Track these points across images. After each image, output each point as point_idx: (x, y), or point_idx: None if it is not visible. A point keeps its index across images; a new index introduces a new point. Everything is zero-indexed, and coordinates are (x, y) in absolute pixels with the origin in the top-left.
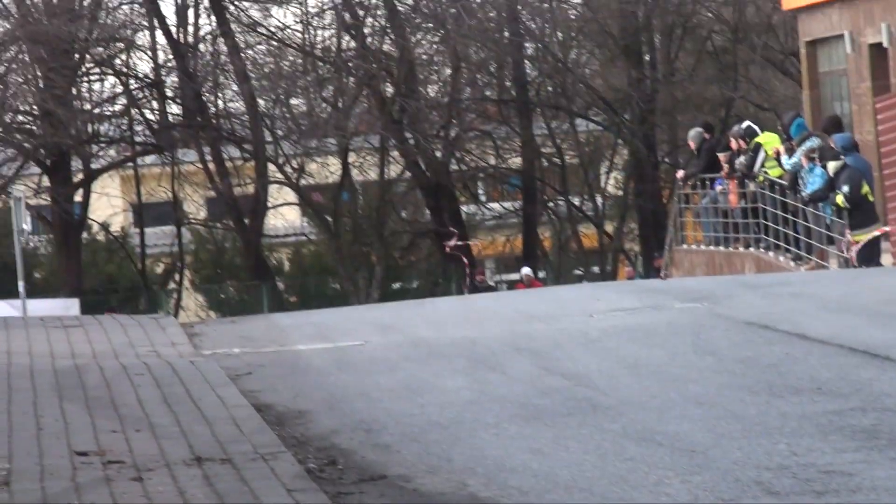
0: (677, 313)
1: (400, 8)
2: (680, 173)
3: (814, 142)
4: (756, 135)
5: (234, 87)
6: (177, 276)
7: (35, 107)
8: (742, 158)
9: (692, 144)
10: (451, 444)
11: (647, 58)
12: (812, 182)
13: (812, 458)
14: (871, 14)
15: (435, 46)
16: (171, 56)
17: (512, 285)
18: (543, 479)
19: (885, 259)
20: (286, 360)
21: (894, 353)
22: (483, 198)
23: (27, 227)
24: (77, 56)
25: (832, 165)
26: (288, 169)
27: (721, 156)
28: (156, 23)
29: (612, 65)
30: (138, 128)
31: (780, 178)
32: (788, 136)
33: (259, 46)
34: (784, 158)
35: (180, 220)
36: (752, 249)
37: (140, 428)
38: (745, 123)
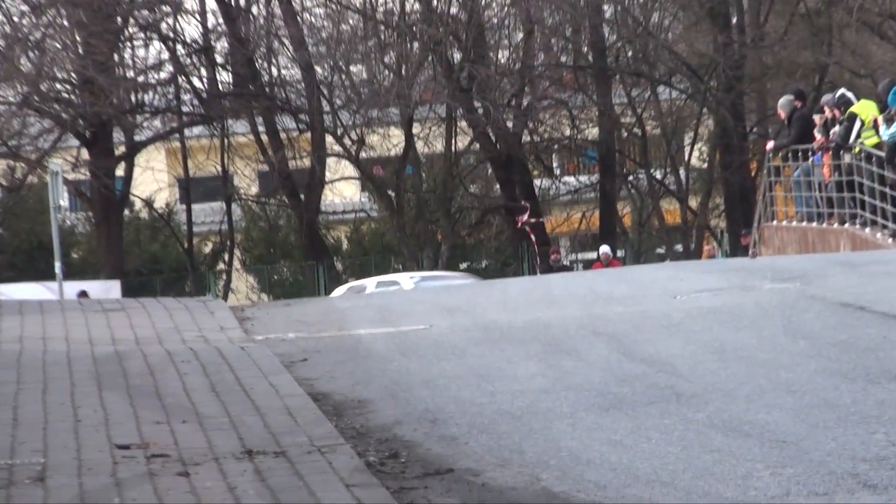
0: (767, 294)
1: None
2: (769, 144)
3: None
4: (851, 103)
5: (290, 53)
6: (226, 256)
7: (74, 74)
8: (837, 128)
9: (782, 113)
10: (523, 435)
11: (734, 21)
12: None
13: None
14: None
15: (506, 9)
16: (221, 20)
17: (589, 265)
18: (623, 473)
19: None
20: (345, 346)
21: None
22: (557, 171)
23: (64, 203)
24: (120, 20)
25: None
26: (347, 141)
27: (817, 117)
28: None
29: (697, 28)
30: (185, 97)
31: (877, 148)
32: (886, 104)
33: (316, 9)
34: (882, 128)
35: (230, 196)
36: (847, 225)
37: (186, 419)
38: (839, 91)
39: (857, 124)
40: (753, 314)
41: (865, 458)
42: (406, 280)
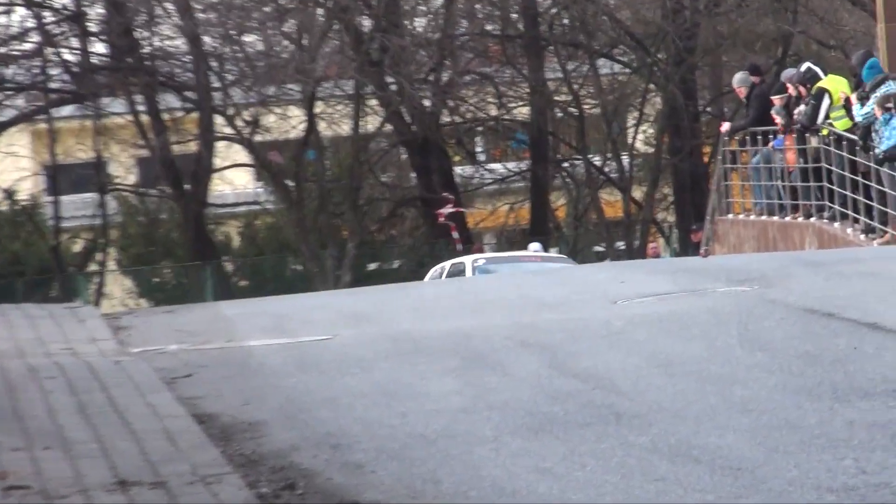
0: (720, 299)
1: None
2: (725, 126)
3: (891, 87)
4: (819, 79)
5: (174, 21)
6: (99, 256)
7: None
8: (803, 107)
9: (742, 91)
10: (438, 462)
11: None
12: (888, 136)
13: (886, 477)
14: None
15: None
16: None
17: None
18: None
19: None
20: (235, 359)
21: None
22: (482, 157)
23: None
24: None
25: None
26: (239, 122)
27: (776, 99)
28: None
29: None
30: (54, 71)
31: (848, 131)
32: (859, 79)
33: None
34: (855, 107)
35: (104, 186)
36: (813, 219)
37: (50, 445)
38: (805, 65)
39: (826, 102)
40: (705, 322)
41: (832, 487)
42: (469, 263)
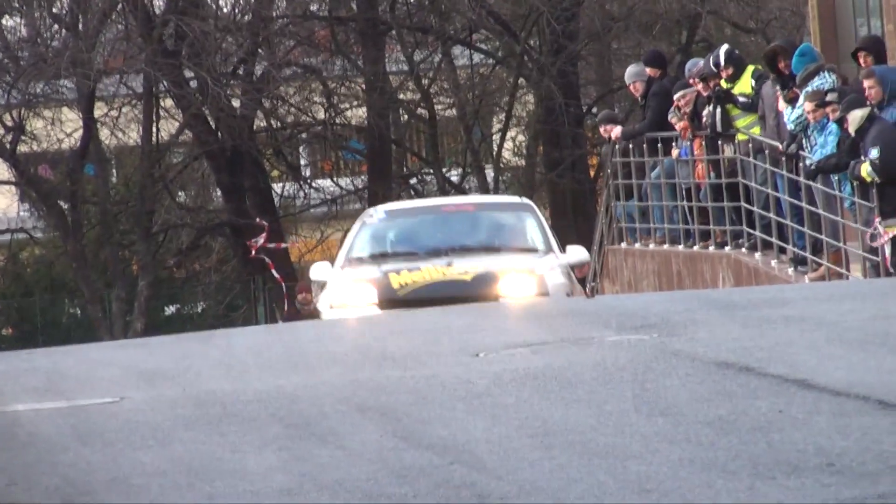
0: (611, 350)
1: None
2: (616, 131)
3: (825, 79)
4: (744, 64)
5: None
6: None
7: None
8: (709, 109)
9: (634, 87)
10: None
11: None
12: (822, 144)
13: None
14: None
15: None
16: None
17: None
18: None
19: None
20: None
21: None
22: (307, 172)
23: None
24: None
25: (856, 117)
26: None
27: (679, 97)
28: None
29: None
30: None
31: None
32: (789, 72)
33: None
34: (785, 112)
35: None
36: (728, 249)
37: None
38: (724, 47)
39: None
40: (591, 380)
41: None
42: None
